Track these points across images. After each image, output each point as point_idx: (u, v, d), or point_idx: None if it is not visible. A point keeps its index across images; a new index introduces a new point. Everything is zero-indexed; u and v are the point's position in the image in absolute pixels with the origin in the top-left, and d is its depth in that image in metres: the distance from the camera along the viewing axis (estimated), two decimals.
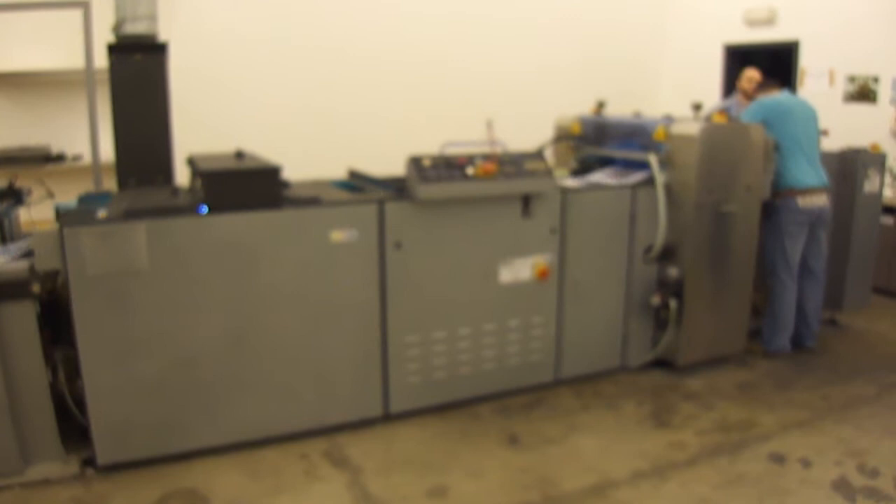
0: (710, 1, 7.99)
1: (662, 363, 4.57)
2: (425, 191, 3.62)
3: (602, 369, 4.49)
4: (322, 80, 6.77)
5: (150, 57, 3.86)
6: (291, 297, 3.55)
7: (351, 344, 3.72)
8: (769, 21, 7.17)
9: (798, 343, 4.86)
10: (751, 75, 6.14)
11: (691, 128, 4.21)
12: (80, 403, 3.37)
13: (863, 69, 6.46)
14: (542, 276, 4.07)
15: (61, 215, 3.49)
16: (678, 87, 7.90)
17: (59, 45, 5.40)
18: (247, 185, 3.41)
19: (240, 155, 3.82)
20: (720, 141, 4.25)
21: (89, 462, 3.38)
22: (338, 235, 3.57)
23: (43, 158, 5.49)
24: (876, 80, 6.37)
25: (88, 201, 3.82)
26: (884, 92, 6.33)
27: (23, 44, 5.70)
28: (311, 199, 3.56)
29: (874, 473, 3.42)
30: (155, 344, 3.33)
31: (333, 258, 3.59)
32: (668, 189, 4.29)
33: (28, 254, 3.29)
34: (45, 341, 3.27)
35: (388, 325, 3.77)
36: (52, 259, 3.16)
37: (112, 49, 3.81)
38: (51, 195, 3.75)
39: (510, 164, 3.84)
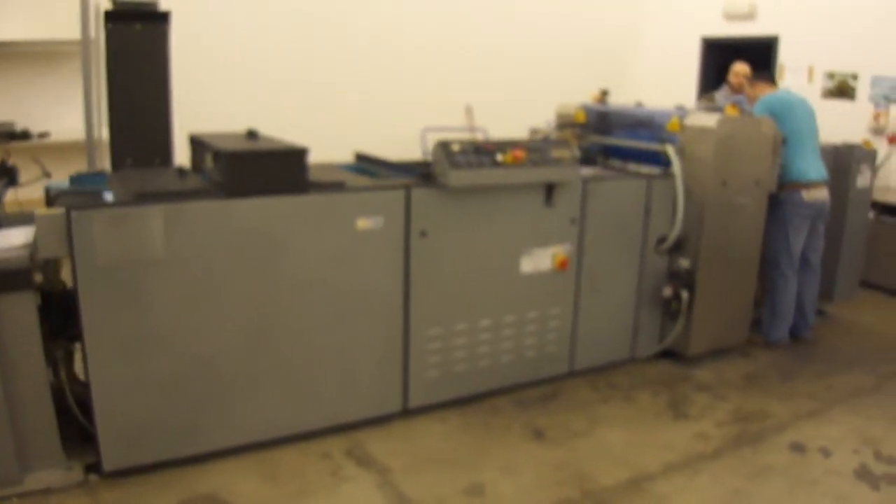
0: None
1: (668, 354, 4.56)
2: (456, 177, 3.45)
3: (613, 360, 4.44)
4: (311, 60, 6.57)
5: (151, 26, 3.54)
6: (314, 288, 3.34)
7: (373, 337, 3.54)
8: (749, 15, 7.25)
9: (794, 334, 4.94)
10: (738, 69, 6.16)
11: (708, 120, 4.18)
12: (81, 403, 3.09)
13: (842, 66, 6.60)
14: (562, 266, 3.97)
15: (53, 196, 3.19)
16: (654, 79, 7.91)
17: (26, 14, 4.97)
18: (271, 168, 3.17)
19: (252, 135, 3.56)
20: (734, 133, 4.23)
21: (93, 468, 3.10)
22: (363, 223, 3.37)
23: (7, 136, 5.04)
24: (855, 77, 6.52)
25: (81, 181, 3.51)
26: (862, 89, 6.48)
27: None
28: (336, 183, 3.35)
29: (892, 461, 3.49)
30: (169, 339, 3.07)
31: (358, 247, 3.40)
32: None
33: None
34: (44, 336, 2.96)
35: (410, 316, 3.61)
36: (56, 246, 2.85)
37: (109, 16, 3.47)
38: (47, 175, 3.40)
39: (536, 152, 3.71)
